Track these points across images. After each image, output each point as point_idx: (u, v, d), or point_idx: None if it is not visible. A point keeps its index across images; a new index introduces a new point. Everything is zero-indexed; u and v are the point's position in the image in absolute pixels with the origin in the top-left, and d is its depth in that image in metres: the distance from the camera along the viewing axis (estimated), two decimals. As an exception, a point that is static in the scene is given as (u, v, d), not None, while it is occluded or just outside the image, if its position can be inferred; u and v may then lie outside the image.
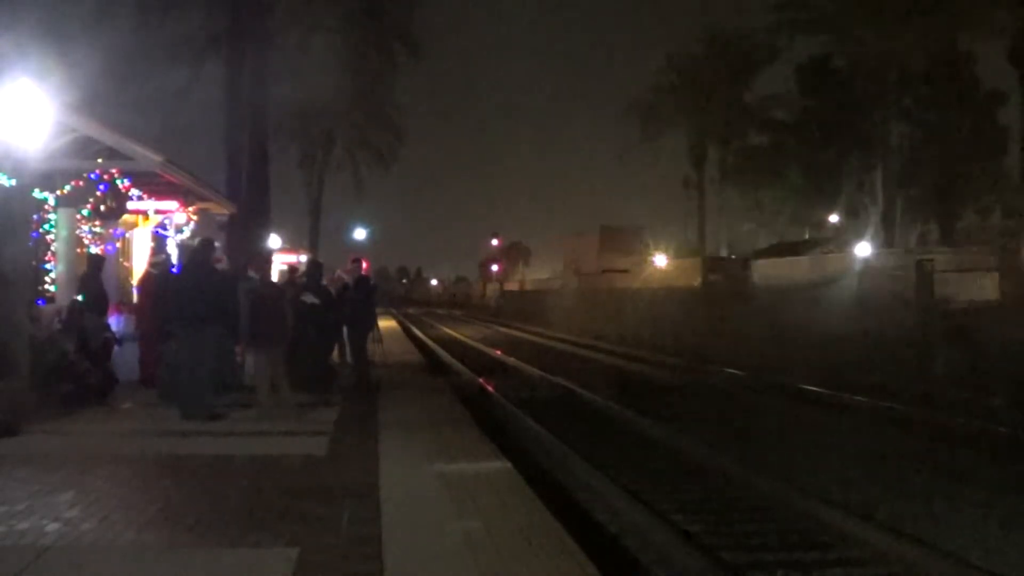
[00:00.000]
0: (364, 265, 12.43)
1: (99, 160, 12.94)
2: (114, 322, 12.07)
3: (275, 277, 15.24)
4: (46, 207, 12.52)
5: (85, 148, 13.16)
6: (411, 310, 68.94)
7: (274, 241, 25.53)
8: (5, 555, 4.59)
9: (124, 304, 13.63)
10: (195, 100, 21.97)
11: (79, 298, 11.12)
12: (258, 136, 19.52)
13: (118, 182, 12.87)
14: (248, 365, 11.09)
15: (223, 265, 11.38)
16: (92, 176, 12.58)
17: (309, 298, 11.38)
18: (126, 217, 14.62)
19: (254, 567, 4.48)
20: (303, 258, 25.36)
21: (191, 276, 9.35)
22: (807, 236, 47.98)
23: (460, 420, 9.57)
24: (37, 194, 11.55)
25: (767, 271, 34.53)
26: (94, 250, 12.67)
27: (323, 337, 11.93)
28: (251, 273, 10.81)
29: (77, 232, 13.03)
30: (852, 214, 43.40)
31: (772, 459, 8.95)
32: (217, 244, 12.48)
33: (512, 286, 74.07)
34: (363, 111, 40.75)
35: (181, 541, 4.90)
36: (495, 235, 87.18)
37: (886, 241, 38.02)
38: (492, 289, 78.16)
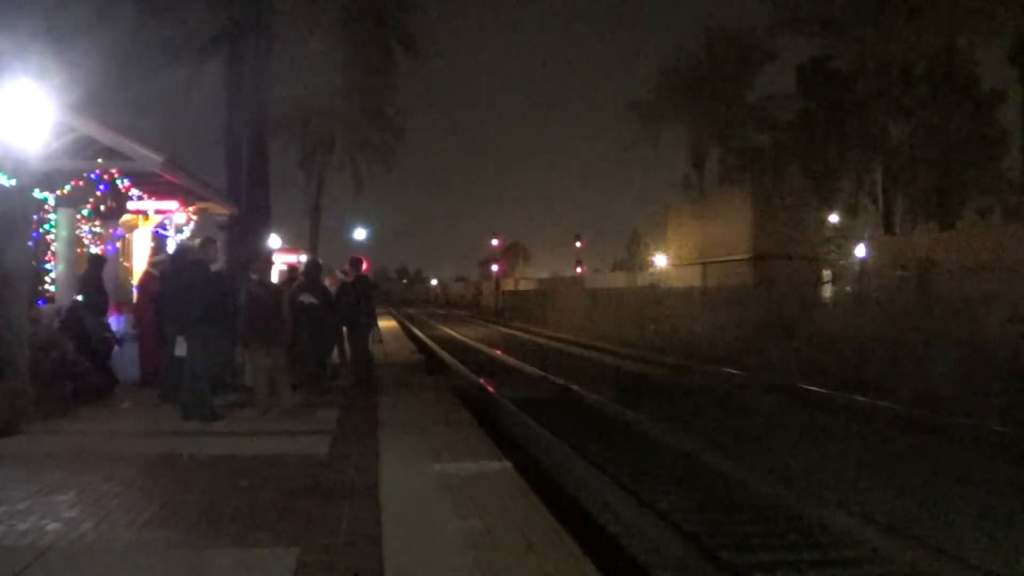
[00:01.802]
0: (364, 264, 12.42)
1: (99, 160, 12.94)
2: (114, 322, 12.06)
3: (275, 277, 15.23)
4: (46, 207, 12.51)
5: (85, 148, 13.16)
6: (410, 310, 68.87)
7: (274, 241, 25.52)
8: (5, 555, 4.60)
9: (124, 304, 13.62)
10: (195, 100, 21.95)
11: (79, 298, 11.11)
12: (258, 136, 19.49)
13: (118, 182, 12.86)
14: (248, 365, 11.09)
15: (217, 265, 11.37)
16: (92, 176, 12.57)
17: (307, 298, 11.39)
18: (126, 217, 14.61)
19: (254, 567, 4.47)
20: (303, 258, 25.34)
21: (189, 276, 9.33)
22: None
23: (460, 420, 9.57)
24: (37, 194, 11.55)
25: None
26: (94, 250, 12.66)
27: (322, 337, 11.93)
28: (251, 273, 10.82)
29: (77, 232, 13.01)
30: (852, 214, 43.44)
31: None
32: (218, 244, 12.47)
33: (523, 285, 71.27)
34: (363, 111, 40.75)
35: (181, 541, 4.90)
36: (495, 235, 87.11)
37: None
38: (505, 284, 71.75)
